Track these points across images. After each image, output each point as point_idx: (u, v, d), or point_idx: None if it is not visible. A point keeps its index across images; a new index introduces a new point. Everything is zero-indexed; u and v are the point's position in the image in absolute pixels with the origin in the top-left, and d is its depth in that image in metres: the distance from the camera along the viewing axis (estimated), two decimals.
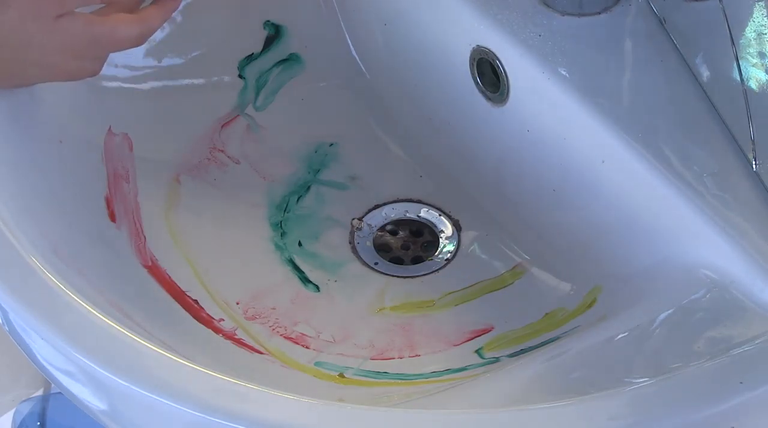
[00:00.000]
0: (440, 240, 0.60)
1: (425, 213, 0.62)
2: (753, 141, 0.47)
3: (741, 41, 0.48)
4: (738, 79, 0.48)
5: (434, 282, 0.58)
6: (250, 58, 0.65)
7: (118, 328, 0.40)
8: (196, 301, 0.53)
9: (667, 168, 0.47)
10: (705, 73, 0.51)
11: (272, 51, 0.66)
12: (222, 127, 0.64)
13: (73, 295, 0.42)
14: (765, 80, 0.47)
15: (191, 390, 0.38)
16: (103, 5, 0.51)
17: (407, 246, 0.61)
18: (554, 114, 0.53)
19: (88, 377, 0.40)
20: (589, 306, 0.51)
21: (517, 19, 0.55)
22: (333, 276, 0.58)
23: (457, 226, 0.61)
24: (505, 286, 0.57)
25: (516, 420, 0.38)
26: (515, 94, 0.55)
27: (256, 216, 0.60)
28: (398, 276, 0.58)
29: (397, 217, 0.62)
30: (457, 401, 0.44)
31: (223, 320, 0.53)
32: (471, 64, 0.58)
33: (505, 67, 0.55)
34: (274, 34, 0.66)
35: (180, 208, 0.59)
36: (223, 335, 0.52)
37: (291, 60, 0.66)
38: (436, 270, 0.59)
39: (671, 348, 0.42)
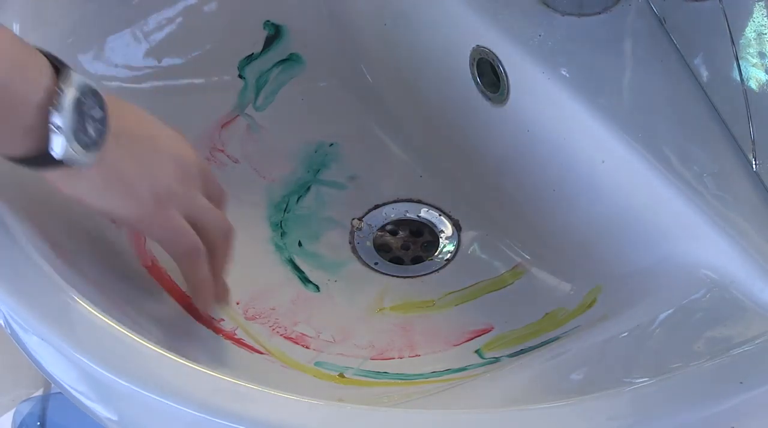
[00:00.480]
0: (440, 240, 0.60)
1: (425, 213, 0.62)
2: (753, 141, 0.47)
3: (741, 41, 0.48)
4: (738, 79, 0.48)
5: (434, 282, 0.58)
6: (250, 58, 0.65)
7: (118, 328, 0.40)
8: None
9: (667, 168, 0.47)
10: (705, 73, 0.51)
11: (272, 51, 0.66)
12: (222, 127, 0.64)
13: (73, 295, 0.42)
14: (765, 80, 0.47)
15: (191, 390, 0.38)
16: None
17: (407, 246, 0.61)
18: (554, 114, 0.53)
19: (88, 377, 0.40)
20: (589, 306, 0.51)
21: (517, 19, 0.55)
22: (333, 276, 0.58)
23: (457, 226, 0.61)
24: (505, 286, 0.57)
25: (516, 420, 0.38)
26: (515, 94, 0.55)
27: (256, 216, 0.60)
28: (398, 276, 0.58)
29: (397, 217, 0.62)
30: (457, 401, 0.44)
31: (223, 320, 0.53)
32: (471, 64, 0.58)
33: (505, 67, 0.55)
34: (274, 34, 0.66)
35: None
36: (223, 335, 0.52)
37: (291, 60, 0.66)
38: (436, 270, 0.59)
39: (671, 348, 0.42)
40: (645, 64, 0.53)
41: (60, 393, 0.43)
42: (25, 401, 0.86)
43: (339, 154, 0.64)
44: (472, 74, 0.58)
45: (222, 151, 0.63)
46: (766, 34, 0.48)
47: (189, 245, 0.49)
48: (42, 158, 0.42)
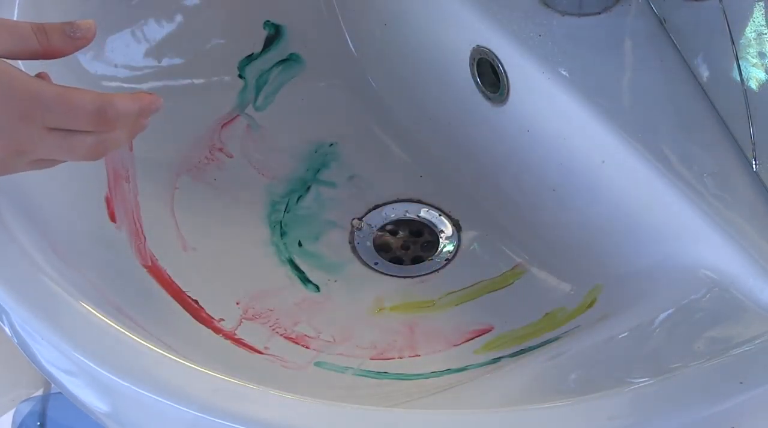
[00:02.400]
0: (440, 240, 0.60)
1: (425, 213, 0.62)
2: (753, 141, 0.47)
3: (741, 41, 0.48)
4: (738, 79, 0.48)
5: (434, 282, 0.58)
6: (250, 58, 0.65)
7: (118, 328, 0.40)
8: (196, 301, 0.53)
9: (667, 168, 0.47)
10: (705, 73, 0.51)
11: (272, 51, 0.66)
12: (222, 126, 0.64)
13: (73, 295, 0.42)
14: (765, 80, 0.47)
15: (191, 390, 0.38)
16: None
17: (407, 246, 0.61)
18: (554, 114, 0.53)
19: (88, 377, 0.40)
20: (589, 306, 0.51)
21: (517, 19, 0.55)
22: (333, 276, 0.58)
23: (457, 226, 0.61)
24: (505, 286, 0.57)
25: (516, 420, 0.38)
26: (515, 94, 0.55)
27: (255, 216, 0.60)
28: (398, 276, 0.58)
29: (397, 217, 0.62)
30: (457, 401, 0.44)
31: (223, 320, 0.53)
32: (471, 64, 0.58)
33: (505, 67, 0.55)
34: (274, 34, 0.66)
35: (180, 207, 0.59)
36: (223, 335, 0.52)
37: (291, 60, 0.66)
38: (436, 270, 0.59)
39: (671, 348, 0.42)
40: (645, 64, 0.53)
41: (60, 393, 0.43)
42: (25, 401, 0.86)
43: (339, 154, 0.64)
44: (472, 74, 0.58)
45: (222, 150, 0.63)
46: (766, 34, 0.48)
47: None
48: None
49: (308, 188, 0.62)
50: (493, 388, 0.44)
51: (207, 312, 0.53)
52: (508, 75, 0.55)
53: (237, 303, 0.54)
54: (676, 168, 0.47)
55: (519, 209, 0.58)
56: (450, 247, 0.60)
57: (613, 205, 0.51)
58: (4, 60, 0.41)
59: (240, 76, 0.65)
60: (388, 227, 0.61)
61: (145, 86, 0.62)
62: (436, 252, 0.60)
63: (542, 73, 0.52)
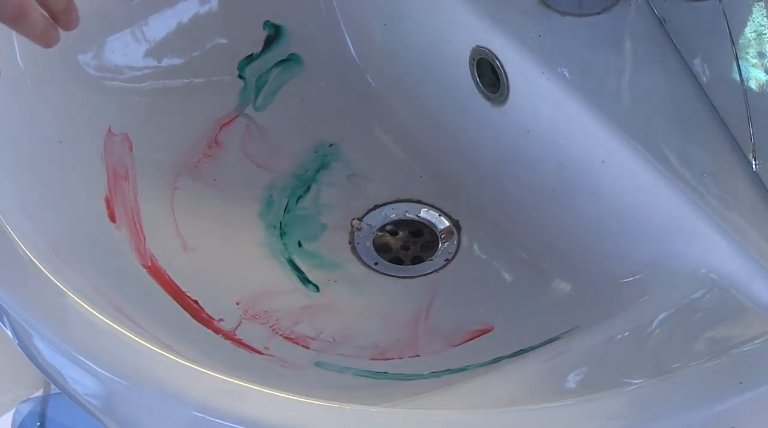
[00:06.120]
0: (440, 240, 0.60)
1: (425, 213, 0.62)
2: (753, 141, 0.47)
3: (741, 41, 0.48)
4: (738, 79, 0.48)
5: (434, 282, 0.58)
6: (250, 58, 0.65)
7: (118, 328, 0.40)
8: (196, 301, 0.53)
9: (667, 168, 0.47)
10: (705, 73, 0.51)
11: (272, 51, 0.66)
12: (222, 127, 0.64)
13: (73, 295, 0.42)
14: (765, 80, 0.47)
15: (191, 390, 0.38)
16: None
17: (407, 247, 0.61)
18: (554, 114, 0.53)
19: (88, 377, 0.40)
20: None
21: (517, 19, 0.55)
22: (333, 276, 0.58)
23: (457, 226, 0.61)
24: (505, 286, 0.57)
25: (516, 420, 0.38)
26: (515, 94, 0.55)
27: (255, 216, 0.60)
28: (398, 277, 0.58)
29: (397, 217, 0.62)
30: (457, 401, 0.44)
31: (223, 320, 0.53)
32: (471, 64, 0.58)
33: (505, 67, 0.55)
34: (274, 34, 0.66)
35: (180, 207, 0.59)
36: (223, 335, 0.52)
37: (291, 60, 0.66)
38: (436, 270, 0.59)
39: (671, 348, 0.42)
40: (645, 64, 0.53)
41: (60, 393, 0.43)
42: (25, 401, 0.86)
43: (339, 154, 0.64)
44: (472, 74, 0.58)
45: (222, 150, 0.63)
46: (765, 34, 0.48)
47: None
48: None
49: (308, 188, 0.62)
50: (493, 388, 0.44)
51: (207, 312, 0.53)
52: (508, 75, 0.55)
53: (237, 304, 0.54)
54: (676, 168, 0.47)
55: (519, 209, 0.58)
56: (450, 247, 0.60)
57: (613, 205, 0.51)
58: None
59: (240, 76, 0.65)
60: (388, 227, 0.61)
61: (145, 86, 0.62)
62: (436, 253, 0.60)
63: (542, 73, 0.52)
